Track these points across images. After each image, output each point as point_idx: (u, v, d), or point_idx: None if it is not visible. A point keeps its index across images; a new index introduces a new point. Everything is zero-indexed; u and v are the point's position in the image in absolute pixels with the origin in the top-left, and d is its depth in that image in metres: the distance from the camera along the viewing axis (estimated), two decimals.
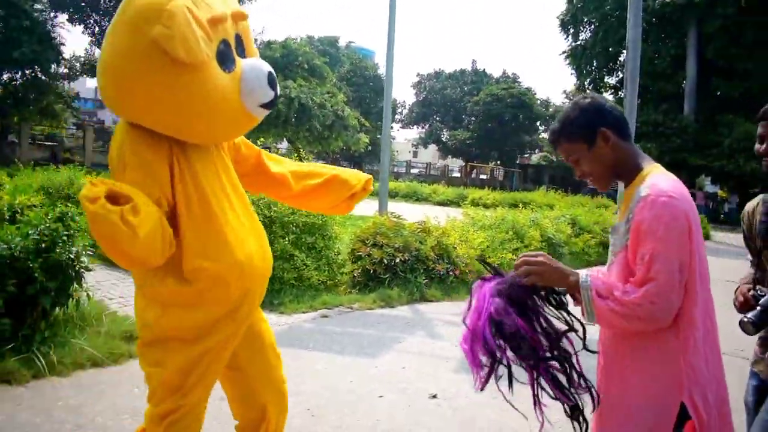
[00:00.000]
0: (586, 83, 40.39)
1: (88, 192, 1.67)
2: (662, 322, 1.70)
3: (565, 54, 39.64)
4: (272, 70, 2.09)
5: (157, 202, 1.90)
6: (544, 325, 1.77)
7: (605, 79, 40.47)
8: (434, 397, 4.08)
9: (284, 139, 38.12)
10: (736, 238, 22.35)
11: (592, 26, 38.56)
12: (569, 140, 1.92)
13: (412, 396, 4.12)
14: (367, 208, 12.05)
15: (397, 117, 55.67)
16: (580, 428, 1.77)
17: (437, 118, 62.38)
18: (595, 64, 39.01)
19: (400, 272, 7.48)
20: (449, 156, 63.28)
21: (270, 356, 2.40)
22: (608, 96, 40.46)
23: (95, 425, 3.37)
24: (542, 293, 1.80)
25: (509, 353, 1.74)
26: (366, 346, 5.27)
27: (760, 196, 2.40)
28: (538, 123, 60.07)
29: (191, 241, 1.99)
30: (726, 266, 11.75)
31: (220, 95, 1.96)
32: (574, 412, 1.76)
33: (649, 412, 1.76)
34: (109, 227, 1.68)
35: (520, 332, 1.71)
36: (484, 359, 1.75)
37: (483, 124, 55.96)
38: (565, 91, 63.02)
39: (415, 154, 79.80)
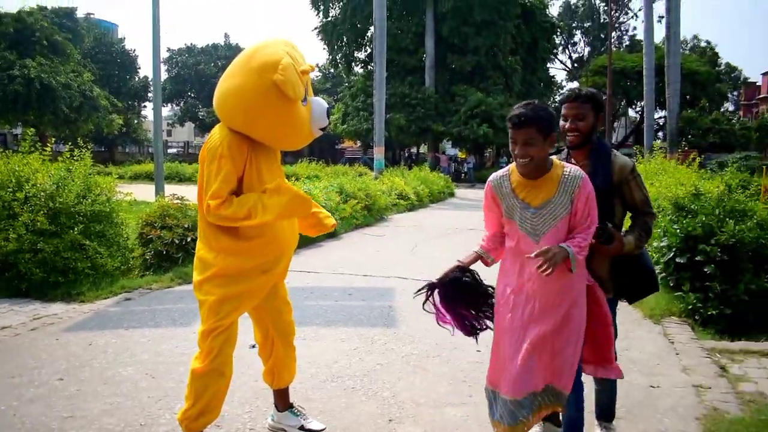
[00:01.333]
0: (338, 58, 42.28)
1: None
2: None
3: (317, 30, 41.02)
4: (329, 106, 3.10)
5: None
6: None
7: (355, 54, 42.68)
8: (253, 347, 4.76)
9: (19, 123, 34.92)
10: (474, 193, 25.57)
11: (341, 3, 40.28)
12: (539, 130, 2.61)
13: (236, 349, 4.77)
14: (142, 192, 12.08)
15: (150, 95, 53.11)
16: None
17: (192, 95, 60.74)
18: (345, 40, 40.92)
19: (192, 250, 7.92)
20: (207, 134, 62.14)
21: (282, 307, 3.29)
22: (359, 70, 42.83)
23: None
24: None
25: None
26: (178, 318, 5.77)
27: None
28: None
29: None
30: (468, 217, 13.74)
31: (302, 121, 2.94)
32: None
33: (583, 291, 2.76)
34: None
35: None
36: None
37: None
38: (318, 65, 64.82)
39: (169, 133, 76.87)
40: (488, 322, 2.96)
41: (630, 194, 3.02)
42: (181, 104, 61.62)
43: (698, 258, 5.86)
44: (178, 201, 8.82)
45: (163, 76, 63.14)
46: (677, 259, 6.06)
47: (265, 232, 2.94)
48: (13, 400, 3.81)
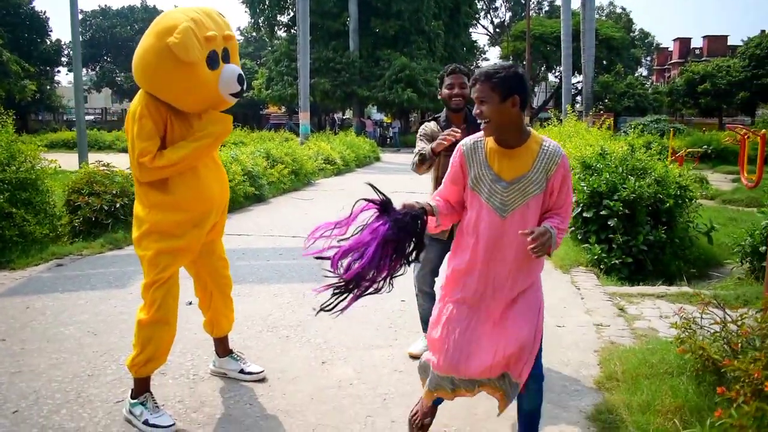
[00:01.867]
0: (260, 21, 41.55)
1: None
2: None
3: None
4: (242, 73, 3.19)
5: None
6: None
7: (278, 17, 42.04)
8: (190, 303, 4.98)
9: None
10: (400, 157, 26.02)
11: None
12: (491, 87, 2.41)
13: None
14: (62, 161, 11.83)
15: (63, 60, 50.75)
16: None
17: (108, 59, 58.50)
18: (267, 3, 40.21)
19: (121, 216, 7.99)
20: (126, 100, 60.06)
21: (218, 263, 3.55)
22: (282, 34, 42.24)
23: None
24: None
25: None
26: (114, 281, 5.91)
27: (432, 120, 4.04)
28: None
29: (176, 180, 3.12)
30: (393, 180, 14.12)
31: (203, 84, 3.05)
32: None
33: (538, 278, 2.66)
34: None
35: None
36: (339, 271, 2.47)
37: None
38: (239, 28, 63.39)
39: (85, 99, 73.84)
40: (385, 285, 2.54)
41: None
42: (97, 69, 59.25)
43: (603, 213, 6.40)
44: (104, 168, 8.80)
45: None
46: (584, 214, 6.59)
47: (191, 186, 3.13)
48: None
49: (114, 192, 8.08)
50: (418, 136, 4.02)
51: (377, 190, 2.58)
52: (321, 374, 3.75)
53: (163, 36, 2.93)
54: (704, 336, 3.11)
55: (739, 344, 2.87)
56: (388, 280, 2.51)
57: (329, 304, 2.52)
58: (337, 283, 2.48)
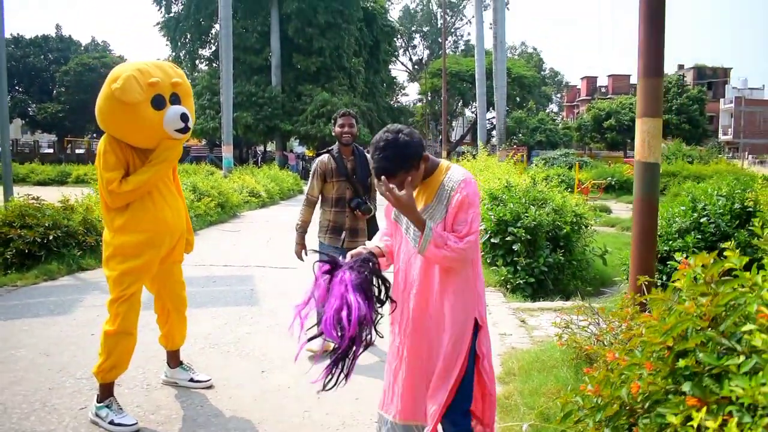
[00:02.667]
0: (181, 54, 41.54)
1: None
2: (467, 261, 2.51)
3: (159, 25, 40.10)
4: (186, 112, 3.69)
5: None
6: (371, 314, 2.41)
7: (200, 51, 42.18)
8: None
9: None
10: None
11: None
12: (407, 170, 2.45)
13: None
14: None
15: None
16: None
17: (20, 89, 56.82)
18: (189, 37, 40.36)
19: (54, 248, 8.21)
20: (38, 131, 58.33)
21: (175, 285, 4.06)
22: (203, 67, 42.34)
23: None
24: (374, 282, 2.49)
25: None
26: (54, 309, 6.19)
27: (327, 154, 4.83)
28: None
29: (134, 201, 3.61)
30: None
31: (147, 123, 3.56)
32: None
33: (464, 322, 2.51)
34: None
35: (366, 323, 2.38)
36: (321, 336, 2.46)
37: (76, 96, 52.91)
38: (158, 59, 62.80)
39: None
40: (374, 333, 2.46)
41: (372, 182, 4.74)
42: (8, 99, 57.41)
43: (508, 239, 7.16)
44: (34, 201, 8.98)
45: None
46: (492, 240, 7.34)
47: (148, 210, 3.63)
48: None
49: (46, 224, 8.30)
50: (311, 172, 4.85)
51: (321, 252, 2.65)
52: (262, 381, 4.25)
53: (110, 83, 3.50)
54: (579, 333, 3.82)
55: (606, 338, 3.57)
56: (373, 328, 2.43)
57: (338, 373, 2.45)
58: (339, 349, 2.40)
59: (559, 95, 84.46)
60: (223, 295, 6.83)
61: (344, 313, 2.34)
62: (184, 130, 3.70)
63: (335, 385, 2.44)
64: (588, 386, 2.63)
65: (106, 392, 3.58)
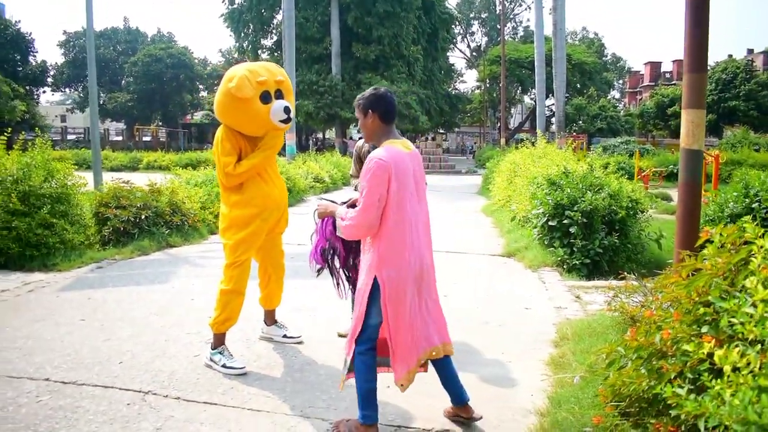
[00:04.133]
0: (244, 45, 42.75)
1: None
2: (369, 229, 3.08)
3: (224, 17, 41.33)
4: (288, 105, 4.30)
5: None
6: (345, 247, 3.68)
7: (262, 41, 43.28)
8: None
9: None
10: None
11: None
12: (357, 110, 3.29)
13: (213, 295, 6.04)
14: None
15: (49, 80, 51.51)
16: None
17: None
18: (251, 27, 41.48)
19: (146, 226, 9.05)
20: (108, 119, 60.79)
21: (277, 253, 4.74)
22: (265, 57, 43.43)
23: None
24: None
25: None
26: (154, 279, 6.97)
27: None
28: (198, 82, 60.82)
29: (246, 181, 4.26)
30: None
31: (257, 115, 4.20)
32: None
33: (367, 276, 3.13)
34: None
35: (337, 249, 3.67)
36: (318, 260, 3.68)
37: (143, 85, 55.05)
38: (221, 50, 64.59)
39: (63, 119, 74.36)
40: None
41: None
42: (80, 89, 60.01)
43: (565, 221, 7.58)
44: (125, 184, 9.86)
45: (60, 59, 61.23)
46: (550, 223, 7.78)
47: (258, 188, 4.28)
48: (50, 334, 4.97)
49: (138, 205, 9.14)
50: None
51: (324, 199, 3.63)
52: (339, 340, 4.86)
53: (227, 82, 4.19)
54: (628, 302, 4.29)
55: (652, 306, 4.03)
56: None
57: (324, 266, 3.77)
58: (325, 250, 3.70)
59: (621, 81, 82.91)
60: (302, 269, 7.47)
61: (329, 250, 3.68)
62: (286, 121, 4.33)
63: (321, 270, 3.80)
64: (628, 334, 3.14)
65: (219, 341, 4.27)
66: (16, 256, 7.61)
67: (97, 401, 3.69)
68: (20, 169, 8.12)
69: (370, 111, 3.24)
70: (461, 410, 3.42)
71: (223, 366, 4.15)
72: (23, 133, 10.10)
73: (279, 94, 4.34)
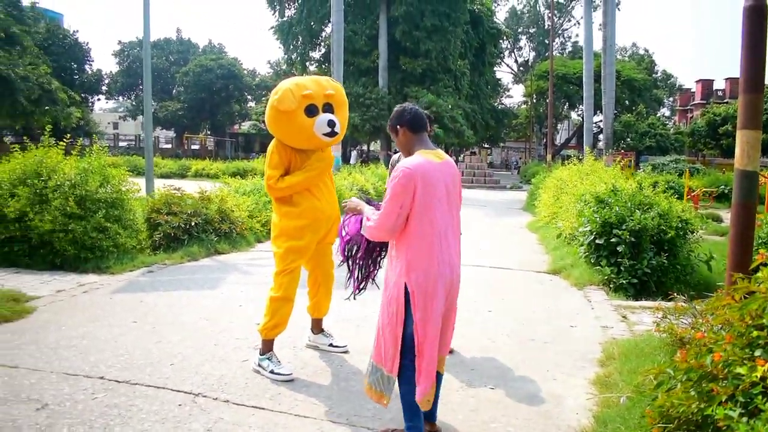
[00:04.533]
0: (293, 57, 43.37)
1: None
2: (387, 234, 3.18)
3: (274, 29, 42.04)
4: (333, 119, 4.35)
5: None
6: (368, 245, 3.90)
7: (310, 54, 43.86)
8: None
9: None
10: None
11: (297, 3, 41.43)
12: (390, 129, 3.43)
13: (260, 302, 6.15)
14: None
15: (104, 88, 53.05)
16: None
17: (143, 88, 60.79)
18: (300, 40, 42.08)
19: (195, 233, 9.26)
20: (158, 127, 62.18)
21: (326, 263, 4.78)
22: (313, 69, 44.00)
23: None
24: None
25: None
26: (203, 284, 7.13)
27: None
28: (246, 93, 61.85)
29: (297, 193, 4.36)
30: None
31: (301, 127, 4.30)
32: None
33: (397, 285, 3.15)
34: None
35: (359, 245, 3.91)
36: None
37: (194, 95, 56.20)
38: (269, 62, 65.62)
39: (115, 126, 76.41)
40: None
41: None
42: (132, 97, 61.65)
43: (613, 240, 7.51)
44: (176, 191, 10.11)
45: (114, 68, 63.03)
46: (597, 241, 7.71)
47: (309, 201, 4.37)
48: (104, 334, 5.14)
49: (188, 212, 9.36)
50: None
51: (361, 192, 3.93)
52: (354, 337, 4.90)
53: (273, 96, 4.35)
54: (677, 324, 4.23)
55: (701, 327, 3.98)
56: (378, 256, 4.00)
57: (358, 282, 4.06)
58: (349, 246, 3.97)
59: (671, 99, 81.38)
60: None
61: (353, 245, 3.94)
62: (330, 135, 4.38)
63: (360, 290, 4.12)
64: (678, 355, 3.12)
65: (267, 347, 4.36)
66: (71, 257, 7.88)
67: (150, 401, 3.81)
68: (78, 174, 8.40)
69: (398, 126, 3.36)
70: (427, 424, 3.42)
71: (271, 372, 4.24)
72: (80, 139, 10.47)
73: (328, 108, 4.42)
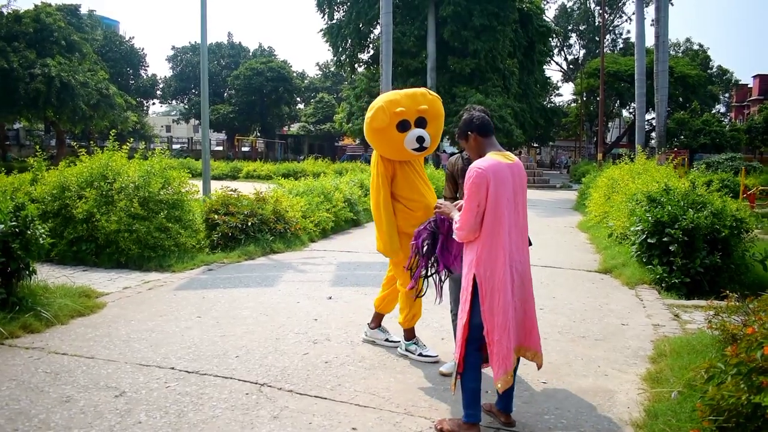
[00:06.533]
0: (342, 58, 43.78)
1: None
2: (471, 233, 3.39)
3: (323, 32, 42.53)
4: (423, 135, 4.59)
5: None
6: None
7: (359, 55, 44.21)
8: (330, 298, 6.43)
9: (41, 119, 36.40)
10: None
11: (345, 6, 41.84)
12: (459, 137, 3.67)
13: (317, 299, 6.47)
14: None
15: (158, 93, 54.50)
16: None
17: (196, 93, 62.22)
18: (349, 42, 42.46)
19: (252, 233, 9.57)
20: (210, 130, 63.46)
21: None
22: (362, 70, 44.37)
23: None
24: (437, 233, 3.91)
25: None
26: (261, 282, 7.40)
27: (458, 155, 4.91)
28: (295, 95, 62.67)
29: (406, 193, 4.70)
30: None
31: (392, 143, 4.61)
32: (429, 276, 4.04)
33: (467, 277, 3.45)
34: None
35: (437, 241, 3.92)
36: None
37: (244, 98, 57.21)
38: (318, 63, 66.33)
39: (168, 129, 78.28)
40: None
41: None
42: (185, 101, 63.17)
43: (665, 239, 7.49)
44: (232, 192, 10.46)
45: (168, 72, 64.66)
46: (649, 240, 7.70)
47: (421, 208, 4.68)
48: (171, 328, 5.43)
49: (245, 213, 9.68)
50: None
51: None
52: (443, 345, 5.05)
53: (368, 114, 4.72)
54: (729, 321, 4.27)
55: (755, 324, 4.02)
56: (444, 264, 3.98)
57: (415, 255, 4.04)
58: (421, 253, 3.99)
59: (727, 95, 79.17)
60: None
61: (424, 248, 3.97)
62: (419, 150, 4.64)
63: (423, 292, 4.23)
64: (729, 348, 3.20)
65: (410, 333, 4.82)
66: (135, 256, 8.26)
67: (219, 389, 4.05)
68: (141, 176, 8.80)
69: (468, 133, 3.59)
70: (502, 415, 3.63)
71: (420, 355, 4.71)
72: (144, 143, 10.89)
73: (420, 122, 4.64)
